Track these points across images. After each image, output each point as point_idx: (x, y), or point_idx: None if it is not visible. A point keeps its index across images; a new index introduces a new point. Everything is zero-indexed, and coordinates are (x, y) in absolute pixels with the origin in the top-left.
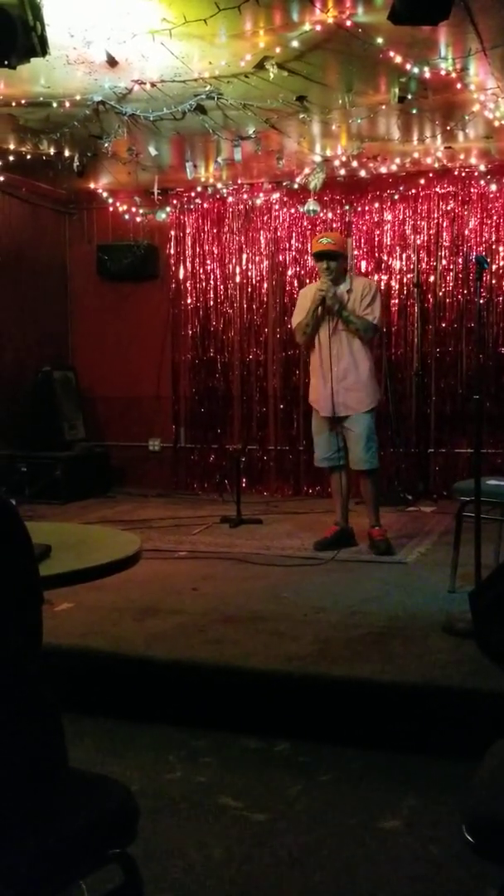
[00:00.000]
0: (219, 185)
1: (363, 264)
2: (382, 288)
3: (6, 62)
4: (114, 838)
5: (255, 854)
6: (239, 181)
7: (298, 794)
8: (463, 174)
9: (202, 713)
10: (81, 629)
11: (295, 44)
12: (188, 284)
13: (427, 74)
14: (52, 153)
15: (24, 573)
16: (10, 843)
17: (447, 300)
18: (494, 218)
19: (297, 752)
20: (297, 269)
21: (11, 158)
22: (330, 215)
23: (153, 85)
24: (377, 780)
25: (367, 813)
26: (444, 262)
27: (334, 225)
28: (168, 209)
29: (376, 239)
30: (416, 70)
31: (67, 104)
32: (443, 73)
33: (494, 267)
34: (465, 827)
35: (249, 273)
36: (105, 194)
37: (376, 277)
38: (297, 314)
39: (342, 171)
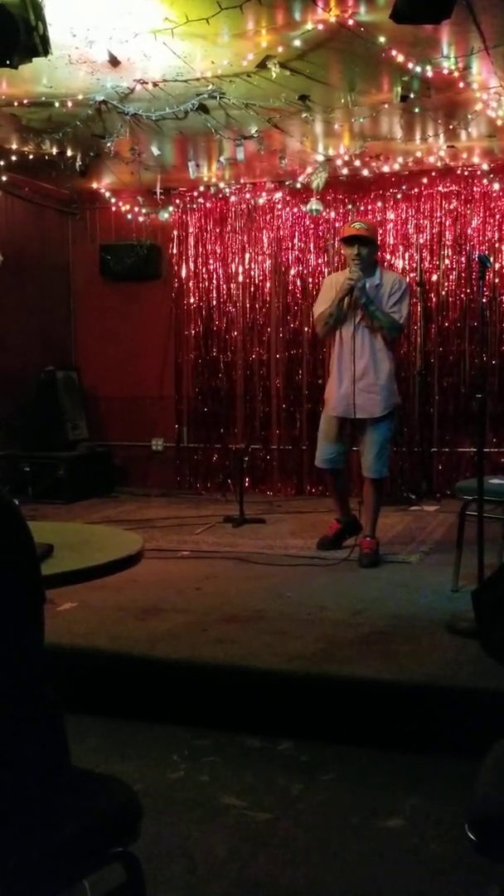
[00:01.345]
0: (221, 185)
1: None
2: None
3: (8, 62)
4: (116, 837)
5: (258, 853)
6: (241, 181)
7: (301, 794)
8: (466, 173)
9: (205, 712)
10: (84, 629)
11: (297, 43)
12: (191, 284)
13: (429, 73)
14: (54, 153)
15: (26, 573)
16: (13, 842)
17: (450, 299)
18: (497, 217)
19: (299, 752)
20: (300, 268)
21: (14, 158)
22: (332, 215)
23: (155, 84)
24: (380, 779)
25: (370, 812)
26: (446, 261)
27: (337, 224)
28: (171, 209)
29: (379, 238)
30: (418, 69)
31: (70, 104)
32: (445, 71)
33: (497, 266)
34: (468, 825)
35: (252, 272)
36: (108, 194)
37: None
38: (320, 303)
39: (345, 171)
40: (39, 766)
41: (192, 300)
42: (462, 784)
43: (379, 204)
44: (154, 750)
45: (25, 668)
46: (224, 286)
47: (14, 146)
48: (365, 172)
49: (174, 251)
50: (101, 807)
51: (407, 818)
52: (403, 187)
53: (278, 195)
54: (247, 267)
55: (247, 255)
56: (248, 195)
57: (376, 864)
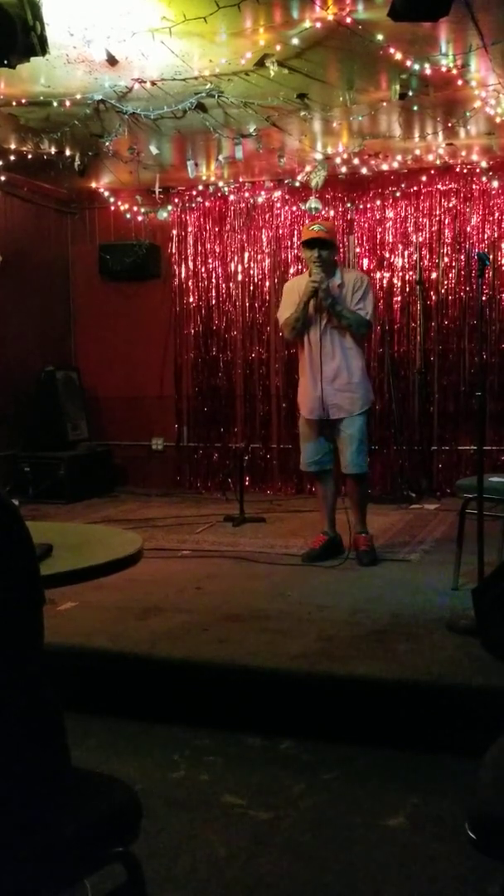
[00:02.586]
0: (220, 184)
1: (365, 262)
2: (385, 285)
3: (6, 61)
4: (117, 837)
5: (259, 852)
6: (240, 179)
7: (302, 793)
8: (465, 171)
9: (206, 712)
10: (85, 628)
11: (295, 41)
12: (190, 283)
13: (428, 71)
14: (53, 153)
15: (24, 573)
16: (13, 843)
17: (449, 297)
18: (496, 215)
19: (300, 751)
20: (300, 267)
21: (13, 158)
22: (332, 213)
23: (153, 83)
24: (381, 777)
25: (371, 811)
26: (446, 259)
27: (337, 223)
28: (169, 208)
29: (378, 236)
30: (416, 67)
31: (68, 103)
32: (444, 69)
33: (496, 264)
34: (468, 824)
35: (251, 271)
36: (106, 193)
37: (378, 275)
38: (285, 309)
39: (343, 169)
40: (39, 766)
41: (191, 299)
42: (463, 782)
43: (378, 202)
44: (154, 749)
45: (25, 668)
46: (223, 285)
47: (13, 146)
48: (364, 170)
49: (173, 250)
50: (101, 807)
51: (408, 817)
52: (402, 185)
53: (277, 194)
54: (246, 266)
55: (246, 254)
56: (247, 194)
57: (377, 863)
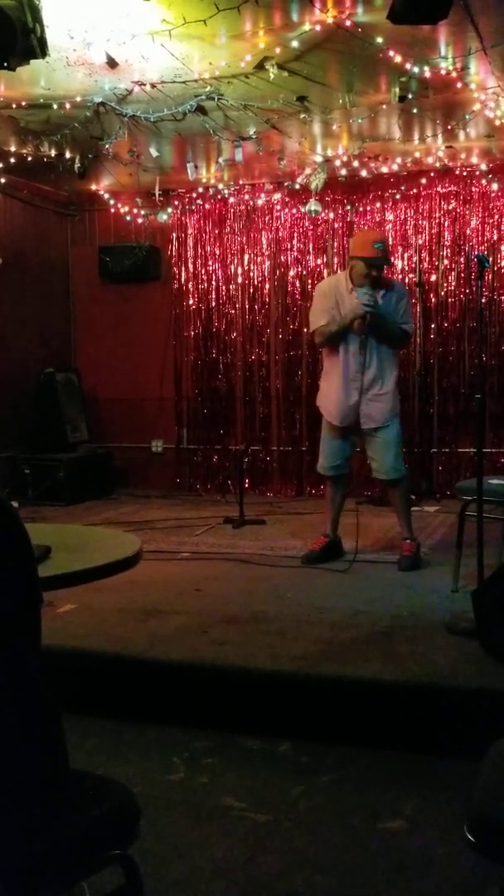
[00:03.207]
0: (220, 186)
1: None
2: None
3: (6, 64)
4: (115, 839)
5: (258, 855)
6: (240, 182)
7: (301, 795)
8: (464, 173)
9: (204, 714)
10: (84, 630)
11: (295, 44)
12: (190, 285)
13: (427, 74)
14: (53, 155)
15: (23, 575)
16: (11, 845)
17: (449, 300)
18: (496, 217)
19: (299, 753)
20: (299, 269)
21: (13, 160)
22: (331, 215)
23: (153, 86)
24: (380, 780)
25: (370, 813)
26: (445, 261)
27: (336, 225)
28: (169, 210)
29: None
30: (416, 69)
31: (68, 106)
32: (443, 72)
33: (496, 266)
34: (467, 827)
35: (251, 274)
36: (106, 196)
37: None
38: (320, 315)
39: (343, 171)
40: (38, 767)
41: (191, 302)
42: (463, 785)
43: (378, 204)
44: (153, 751)
45: (23, 669)
46: (223, 287)
47: (13, 148)
48: (364, 173)
49: (173, 253)
50: (99, 809)
51: (407, 819)
52: (402, 188)
53: (277, 196)
54: (246, 268)
55: (246, 257)
56: (246, 196)
57: (376, 865)
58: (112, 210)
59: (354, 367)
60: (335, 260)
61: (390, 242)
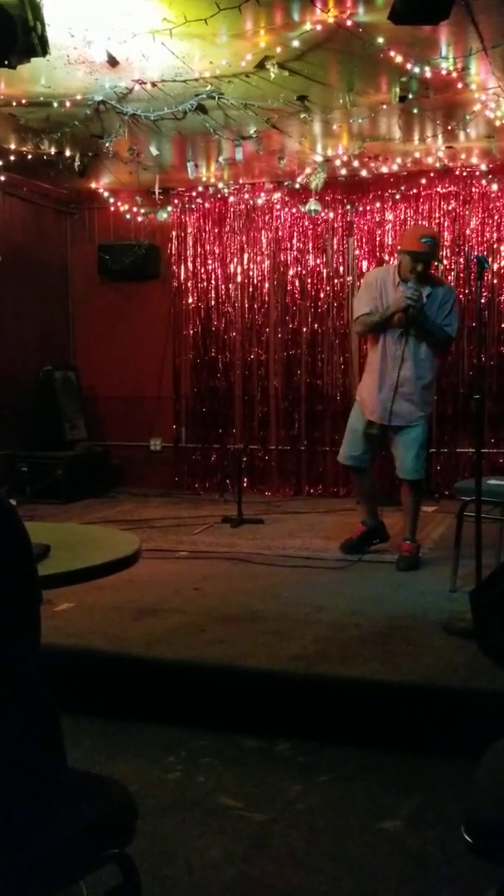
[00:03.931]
0: (220, 185)
1: (364, 264)
2: None
3: (6, 62)
4: (112, 838)
5: (255, 854)
6: (240, 181)
7: (298, 795)
8: (464, 174)
9: (202, 713)
10: (81, 629)
11: (296, 43)
12: (189, 284)
13: (428, 74)
14: (53, 153)
15: (22, 573)
16: (8, 844)
17: None
18: (496, 217)
19: (296, 753)
20: (299, 268)
21: (13, 158)
22: (331, 215)
23: (154, 85)
24: (377, 780)
25: (367, 813)
26: (445, 261)
27: (335, 225)
28: (169, 209)
29: (378, 239)
30: (416, 69)
31: (68, 104)
32: (444, 72)
33: (496, 266)
34: (464, 827)
35: (251, 273)
36: (106, 194)
37: None
38: (363, 304)
39: (343, 171)
40: (35, 766)
41: (190, 300)
42: (460, 785)
43: (377, 204)
44: (150, 751)
45: (22, 668)
46: (223, 286)
47: (12, 146)
48: (364, 173)
49: (173, 251)
50: (96, 808)
51: (404, 819)
52: (402, 188)
53: (277, 195)
54: (245, 267)
55: (245, 256)
56: (246, 195)
57: (374, 865)
58: (112, 208)
59: (391, 362)
60: (335, 259)
61: (389, 242)
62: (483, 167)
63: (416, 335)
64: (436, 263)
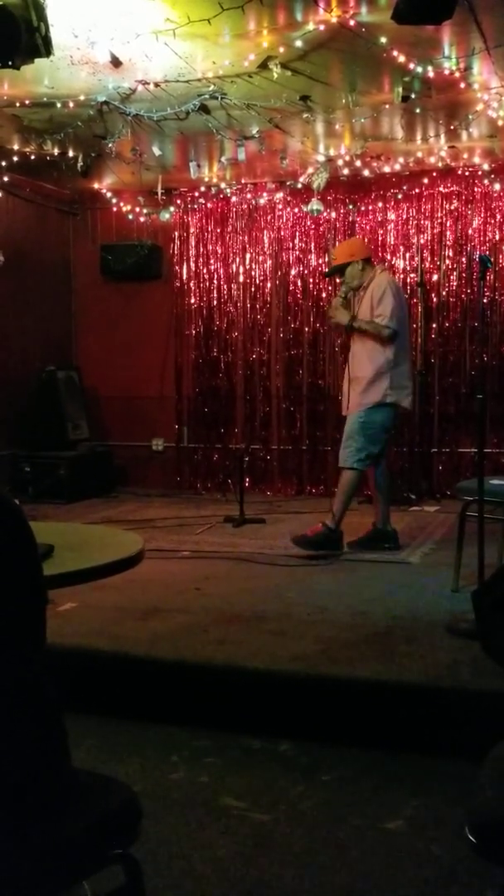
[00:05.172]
0: (222, 185)
1: None
2: None
3: (10, 62)
4: (116, 839)
5: (258, 855)
6: (242, 181)
7: (301, 795)
8: (466, 173)
9: (205, 713)
10: (84, 629)
11: (298, 43)
12: (192, 284)
13: (431, 74)
14: (56, 153)
15: (28, 573)
16: (12, 844)
17: (451, 299)
18: (498, 217)
19: (300, 753)
20: (301, 268)
21: (16, 159)
22: (333, 215)
23: (157, 85)
24: (380, 780)
25: (370, 813)
26: (447, 261)
27: (338, 225)
28: (172, 209)
29: (380, 238)
30: (419, 69)
31: (71, 104)
32: (446, 72)
33: (498, 266)
34: (468, 828)
35: (253, 273)
36: (109, 194)
37: None
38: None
39: (346, 171)
40: (40, 766)
41: (192, 300)
42: (463, 786)
43: (380, 204)
44: (154, 751)
45: (27, 668)
46: (225, 286)
47: (16, 147)
48: (366, 173)
49: (175, 251)
50: (100, 808)
51: (407, 820)
52: (404, 187)
53: (279, 195)
54: (247, 267)
55: (247, 256)
56: (249, 195)
57: (376, 866)
58: (114, 208)
59: (349, 357)
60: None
61: (391, 242)
62: (485, 167)
63: (356, 333)
64: (341, 277)
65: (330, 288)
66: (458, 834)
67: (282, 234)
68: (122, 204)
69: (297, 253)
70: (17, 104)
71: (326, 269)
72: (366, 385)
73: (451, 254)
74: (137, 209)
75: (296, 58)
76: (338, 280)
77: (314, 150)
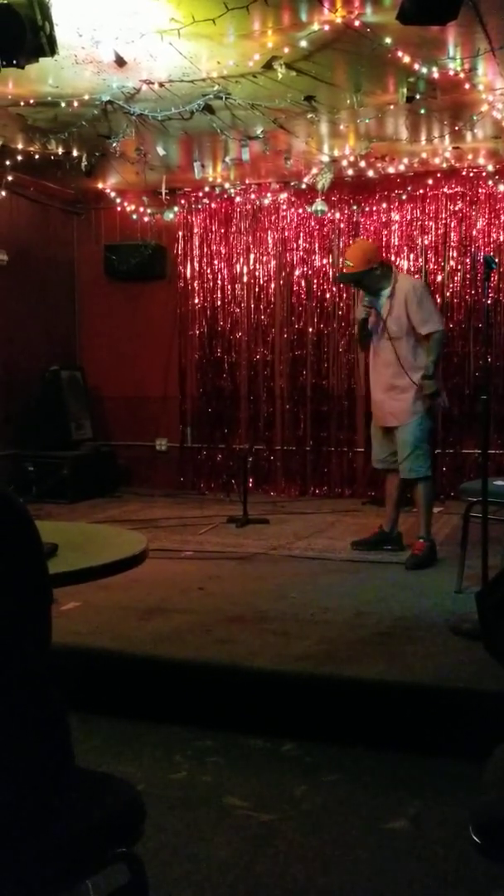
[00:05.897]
0: (226, 185)
1: None
2: None
3: (15, 62)
4: (120, 837)
5: (261, 854)
6: (247, 181)
7: (304, 795)
8: (471, 174)
9: (208, 713)
10: (88, 628)
11: (303, 44)
12: (195, 284)
13: (435, 74)
14: (60, 153)
15: (34, 572)
16: (16, 843)
17: (455, 300)
18: (502, 218)
19: (303, 753)
20: (305, 269)
21: (20, 158)
22: (338, 215)
23: (161, 85)
24: (383, 780)
25: (374, 813)
26: (451, 262)
27: (342, 225)
28: (176, 209)
29: (384, 239)
30: (424, 70)
31: (76, 104)
32: (451, 73)
33: (502, 267)
34: (472, 828)
35: (257, 273)
36: (113, 194)
37: None
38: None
39: (350, 171)
40: (44, 765)
41: (196, 300)
42: (466, 786)
43: (384, 205)
44: (157, 750)
45: (32, 667)
46: (229, 287)
47: (20, 146)
48: (370, 173)
49: (179, 251)
50: (104, 807)
51: (411, 820)
52: (409, 188)
53: (283, 196)
54: (251, 267)
55: (251, 256)
56: (253, 196)
57: (380, 866)
58: (118, 208)
59: (378, 366)
60: (341, 260)
61: (396, 242)
62: (490, 168)
63: (391, 338)
64: (354, 288)
65: (334, 289)
66: (462, 834)
67: (286, 234)
68: (126, 204)
69: (302, 253)
70: (22, 103)
71: (339, 275)
72: (414, 393)
73: (455, 255)
74: (141, 209)
75: (300, 58)
76: (353, 289)
77: (318, 151)
